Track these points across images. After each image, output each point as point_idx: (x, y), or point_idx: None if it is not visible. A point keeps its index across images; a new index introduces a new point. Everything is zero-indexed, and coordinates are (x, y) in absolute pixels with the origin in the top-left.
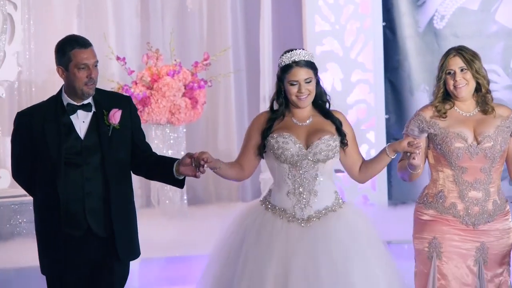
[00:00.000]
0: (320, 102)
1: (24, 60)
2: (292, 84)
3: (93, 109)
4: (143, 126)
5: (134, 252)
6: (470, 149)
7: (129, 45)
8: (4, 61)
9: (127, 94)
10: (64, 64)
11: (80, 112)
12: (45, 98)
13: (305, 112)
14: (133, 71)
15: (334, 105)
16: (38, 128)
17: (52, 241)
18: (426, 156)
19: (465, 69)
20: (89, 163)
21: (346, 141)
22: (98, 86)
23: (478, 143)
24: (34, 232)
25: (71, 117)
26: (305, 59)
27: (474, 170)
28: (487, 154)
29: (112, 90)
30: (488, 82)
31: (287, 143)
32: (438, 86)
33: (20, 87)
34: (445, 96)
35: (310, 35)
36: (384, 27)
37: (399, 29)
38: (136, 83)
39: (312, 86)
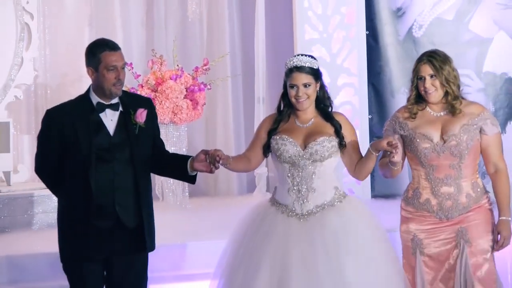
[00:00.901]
0: (323, 106)
1: (40, 65)
2: (291, 87)
3: (120, 108)
4: None
5: (153, 243)
6: (437, 148)
7: (136, 51)
8: (22, 66)
9: (148, 97)
10: (94, 65)
11: (108, 111)
12: (60, 99)
13: (307, 115)
14: (139, 75)
15: None
16: (69, 125)
17: (79, 231)
18: (405, 154)
19: (434, 76)
20: (118, 159)
21: (344, 143)
22: None
23: (444, 142)
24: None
25: (100, 115)
26: (306, 65)
27: (444, 167)
28: (453, 151)
29: None
30: (459, 86)
31: (286, 145)
32: (411, 89)
33: (36, 90)
34: (418, 97)
35: (300, 43)
36: (367, 35)
37: (381, 37)
38: (142, 86)
39: (311, 90)
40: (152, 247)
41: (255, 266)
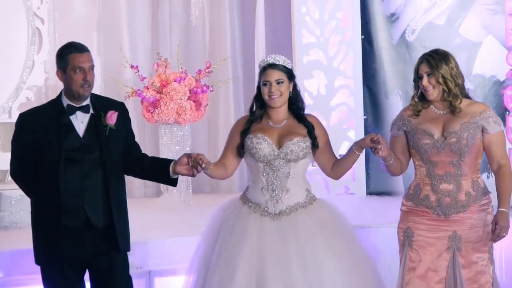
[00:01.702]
0: (295, 107)
1: (50, 68)
2: (264, 84)
3: (91, 111)
4: (154, 125)
5: (128, 243)
6: (437, 144)
7: (142, 55)
8: (33, 68)
9: (122, 101)
10: (62, 68)
11: (79, 113)
12: None
13: (280, 115)
14: (145, 78)
15: (320, 107)
16: (41, 127)
17: (50, 232)
18: (409, 151)
19: (431, 74)
20: (87, 160)
21: (317, 144)
22: (114, 90)
23: (444, 139)
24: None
25: (71, 117)
26: (279, 63)
27: (444, 164)
28: (453, 148)
29: (127, 94)
30: (460, 85)
31: (261, 143)
32: (415, 87)
33: (47, 91)
34: (423, 96)
35: (298, 46)
36: (362, 39)
37: (376, 41)
38: (147, 88)
39: (283, 88)
40: (126, 247)
41: (232, 269)
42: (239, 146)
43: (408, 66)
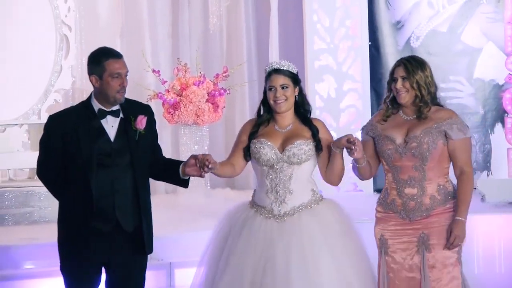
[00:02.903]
0: (302, 111)
1: (77, 72)
2: (270, 89)
3: (121, 115)
4: (174, 126)
5: (152, 246)
6: (399, 149)
7: (163, 60)
8: (61, 73)
9: (147, 103)
10: (98, 73)
11: (109, 117)
12: None
13: (286, 120)
14: (166, 81)
15: (330, 109)
16: (71, 130)
17: (79, 233)
18: (378, 156)
19: (406, 78)
20: (118, 164)
21: (320, 147)
22: (137, 94)
23: (406, 144)
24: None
25: (102, 121)
26: (284, 68)
27: (407, 169)
28: (414, 153)
29: (149, 96)
30: (432, 93)
31: (264, 148)
32: (387, 90)
33: (74, 94)
34: (394, 101)
35: (310, 52)
36: (370, 46)
37: (382, 47)
38: (168, 91)
39: (289, 93)
40: (150, 250)
41: (240, 276)
42: (245, 148)
43: None
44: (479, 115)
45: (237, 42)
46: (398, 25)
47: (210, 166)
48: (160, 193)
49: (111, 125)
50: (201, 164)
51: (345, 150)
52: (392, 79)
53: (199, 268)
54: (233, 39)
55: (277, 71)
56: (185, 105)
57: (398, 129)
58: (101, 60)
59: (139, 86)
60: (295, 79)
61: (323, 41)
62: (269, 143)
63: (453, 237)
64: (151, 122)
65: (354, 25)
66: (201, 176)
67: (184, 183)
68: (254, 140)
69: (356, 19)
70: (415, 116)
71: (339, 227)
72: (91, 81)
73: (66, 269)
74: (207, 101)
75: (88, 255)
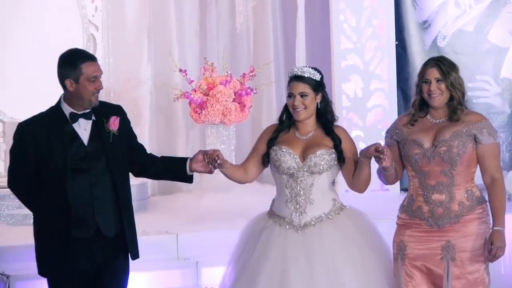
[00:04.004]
0: (324, 120)
1: (104, 72)
2: (289, 96)
3: (93, 117)
4: (201, 126)
5: (137, 251)
6: (427, 154)
7: (190, 59)
8: None
9: (117, 104)
10: (74, 77)
11: (81, 120)
12: (121, 102)
13: (307, 127)
14: (193, 81)
15: (356, 109)
16: (43, 137)
17: (58, 243)
18: (402, 161)
19: (440, 80)
20: (94, 168)
21: (343, 158)
22: (164, 93)
23: (434, 148)
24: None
25: (73, 125)
26: (305, 75)
27: (435, 174)
28: (444, 157)
29: (176, 96)
30: (463, 93)
31: (284, 155)
32: (416, 93)
33: (101, 93)
34: (422, 104)
35: (337, 52)
36: (396, 45)
37: (409, 47)
38: (195, 91)
39: (308, 101)
40: (136, 255)
41: (253, 282)
42: (265, 154)
43: None
44: (506, 114)
45: (263, 41)
46: (424, 25)
47: (219, 161)
48: (185, 191)
49: (83, 128)
50: (210, 159)
51: (373, 158)
52: (423, 81)
53: (228, 267)
54: (259, 38)
55: (298, 78)
56: (212, 104)
57: (426, 133)
58: (77, 63)
59: (166, 85)
60: (317, 87)
61: (349, 40)
62: (290, 151)
63: (494, 250)
64: (125, 122)
65: (380, 24)
66: (210, 172)
67: (189, 179)
68: (274, 147)
69: (383, 19)
70: (444, 119)
71: (361, 237)
72: (64, 85)
73: (50, 282)
74: (233, 100)
75: (69, 266)
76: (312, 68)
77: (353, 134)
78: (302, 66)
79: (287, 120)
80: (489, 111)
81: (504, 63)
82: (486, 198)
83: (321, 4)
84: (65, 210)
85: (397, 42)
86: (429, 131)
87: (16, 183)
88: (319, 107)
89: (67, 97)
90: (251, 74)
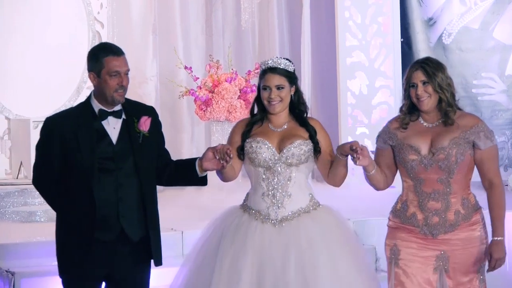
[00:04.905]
0: (297, 111)
1: None
2: (264, 89)
3: (123, 116)
4: (206, 123)
5: (161, 257)
6: (424, 161)
7: (195, 57)
8: None
9: (151, 105)
10: (96, 70)
11: (110, 118)
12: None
13: (281, 119)
14: (198, 78)
15: (361, 106)
16: (70, 134)
17: (81, 246)
18: (396, 165)
19: (427, 82)
20: (121, 169)
21: (319, 149)
22: (170, 90)
23: (432, 155)
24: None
25: (102, 123)
26: (280, 67)
27: (431, 181)
28: (441, 166)
29: (181, 93)
30: (453, 94)
31: (260, 147)
32: (404, 98)
33: None
34: (411, 108)
35: (342, 49)
36: (402, 42)
37: (414, 44)
38: (200, 88)
39: (284, 94)
40: (159, 261)
41: (236, 283)
42: (239, 148)
43: None
44: (511, 111)
45: (269, 38)
46: (430, 22)
47: (232, 155)
48: (190, 188)
49: (112, 127)
50: (222, 154)
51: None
52: (410, 85)
53: (181, 269)
54: (265, 35)
55: (272, 69)
56: (217, 101)
57: (422, 138)
58: (100, 57)
59: (171, 83)
60: (292, 78)
61: (355, 37)
62: (266, 142)
63: (493, 262)
64: (156, 124)
65: (386, 21)
66: (222, 168)
67: (202, 181)
68: (249, 140)
69: (388, 16)
70: (438, 123)
71: (339, 232)
72: (89, 78)
73: (65, 280)
74: (239, 97)
75: (89, 267)
76: (285, 59)
77: (358, 131)
78: (276, 57)
79: (260, 112)
80: (494, 108)
81: (509, 60)
82: (481, 204)
83: (326, 1)
84: (89, 211)
85: (402, 39)
86: (425, 136)
87: (41, 180)
88: (292, 99)
89: (95, 93)
90: (256, 71)
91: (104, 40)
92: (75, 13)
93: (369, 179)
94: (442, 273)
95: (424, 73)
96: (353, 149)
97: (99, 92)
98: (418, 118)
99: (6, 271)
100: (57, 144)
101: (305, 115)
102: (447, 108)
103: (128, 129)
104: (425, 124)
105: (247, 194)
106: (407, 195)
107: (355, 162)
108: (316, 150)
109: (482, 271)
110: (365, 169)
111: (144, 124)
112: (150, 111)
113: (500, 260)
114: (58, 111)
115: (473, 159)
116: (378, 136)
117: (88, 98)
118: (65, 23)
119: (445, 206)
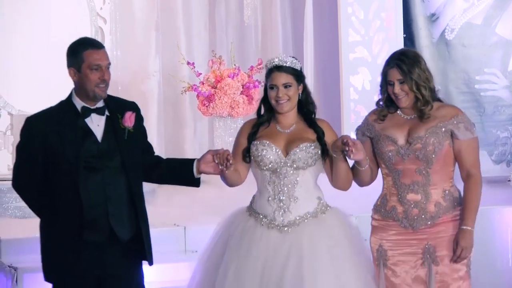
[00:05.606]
0: (305, 111)
1: (112, 64)
2: (271, 88)
3: (107, 112)
4: (209, 119)
5: (152, 256)
6: (401, 151)
7: (198, 52)
8: None
9: (132, 101)
10: (76, 65)
11: (94, 115)
12: (130, 95)
13: (289, 119)
14: (201, 74)
15: (364, 102)
16: (53, 133)
17: (69, 248)
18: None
19: (403, 81)
20: (108, 167)
21: (327, 151)
22: (172, 86)
23: (409, 145)
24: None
25: (86, 120)
26: (287, 65)
27: (410, 172)
28: (418, 155)
29: (184, 89)
30: (431, 88)
31: (266, 150)
32: (381, 91)
33: (109, 86)
34: (389, 101)
35: (345, 45)
36: (404, 38)
37: (417, 40)
38: (203, 83)
39: (292, 92)
40: (151, 261)
41: (241, 283)
42: (245, 150)
43: (447, 63)
44: None
45: (272, 34)
46: (432, 18)
47: (231, 162)
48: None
49: (96, 124)
50: (222, 159)
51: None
52: (387, 82)
53: (198, 267)
54: (268, 31)
55: (279, 68)
56: (220, 97)
57: (399, 129)
58: (79, 51)
59: (174, 78)
60: (299, 76)
61: (357, 33)
62: (273, 145)
63: (459, 250)
64: (139, 119)
65: (388, 17)
66: (221, 173)
67: (196, 182)
68: (255, 142)
69: (391, 12)
70: (415, 115)
71: (345, 239)
72: (69, 74)
73: (55, 286)
74: (241, 93)
75: (79, 271)
76: (292, 57)
77: None
78: (282, 55)
79: (267, 113)
80: (497, 104)
81: None
82: None
83: None
84: (76, 212)
85: (405, 35)
86: (402, 127)
87: (21, 182)
88: (300, 98)
89: (76, 89)
90: (259, 67)
91: (107, 36)
92: (78, 9)
93: (359, 174)
94: (431, 266)
95: (400, 71)
96: (344, 143)
97: (80, 88)
98: (396, 111)
99: (9, 266)
100: (38, 144)
101: (313, 115)
102: (422, 107)
103: (112, 125)
104: (403, 116)
105: (253, 197)
106: (386, 188)
107: (349, 157)
108: (324, 152)
109: (469, 265)
110: (358, 164)
111: (129, 119)
112: (132, 106)
113: (465, 249)
114: None
115: (452, 149)
116: (357, 129)
117: (70, 96)
118: (67, 19)
119: (425, 197)
